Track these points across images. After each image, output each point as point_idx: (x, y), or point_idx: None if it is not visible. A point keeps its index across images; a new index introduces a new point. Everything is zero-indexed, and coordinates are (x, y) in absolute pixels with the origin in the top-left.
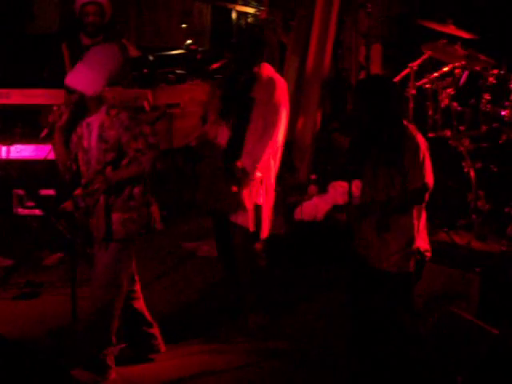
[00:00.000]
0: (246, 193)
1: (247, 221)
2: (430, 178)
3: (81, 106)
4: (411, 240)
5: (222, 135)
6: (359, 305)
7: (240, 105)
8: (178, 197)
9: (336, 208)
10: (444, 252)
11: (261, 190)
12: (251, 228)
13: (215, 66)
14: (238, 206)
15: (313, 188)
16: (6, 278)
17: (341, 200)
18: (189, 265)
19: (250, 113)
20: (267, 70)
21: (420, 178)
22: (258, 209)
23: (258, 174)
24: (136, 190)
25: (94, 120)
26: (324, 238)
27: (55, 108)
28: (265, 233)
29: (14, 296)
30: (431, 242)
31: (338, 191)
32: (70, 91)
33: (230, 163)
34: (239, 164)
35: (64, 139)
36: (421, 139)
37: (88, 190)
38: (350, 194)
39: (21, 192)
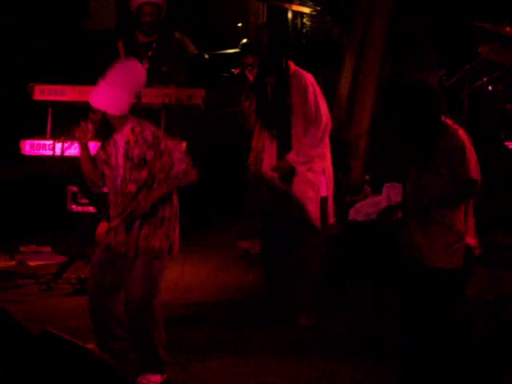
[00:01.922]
0: (305, 188)
1: (314, 217)
2: (476, 174)
3: (105, 125)
4: (460, 236)
5: (269, 145)
6: (408, 305)
7: (278, 112)
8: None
9: (390, 208)
10: (497, 254)
11: (323, 182)
12: (317, 224)
13: (236, 71)
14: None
15: (367, 188)
16: (58, 275)
17: (394, 200)
18: (242, 263)
19: (290, 118)
20: (293, 67)
21: (467, 174)
22: (323, 201)
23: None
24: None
25: (120, 138)
26: (377, 238)
27: (82, 124)
28: (330, 221)
29: (66, 292)
30: (486, 245)
31: (392, 192)
32: (94, 110)
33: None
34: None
35: (89, 154)
36: (463, 135)
37: (121, 213)
38: (403, 194)
39: (75, 189)
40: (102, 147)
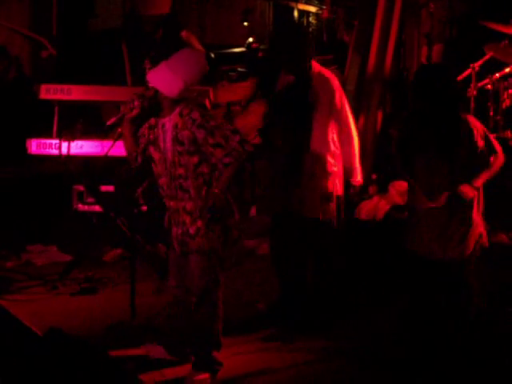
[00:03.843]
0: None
1: (330, 216)
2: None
3: (154, 104)
4: (476, 226)
5: (280, 137)
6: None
7: (297, 109)
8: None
9: (395, 208)
10: (503, 253)
11: (337, 181)
12: (335, 224)
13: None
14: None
15: (373, 187)
16: (65, 274)
17: (400, 200)
18: (248, 262)
19: (311, 116)
20: (316, 67)
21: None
22: (338, 200)
23: (335, 169)
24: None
25: (168, 121)
26: (382, 237)
27: (129, 100)
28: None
29: (73, 291)
30: (490, 244)
31: (398, 191)
32: (148, 87)
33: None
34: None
35: (133, 130)
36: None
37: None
38: (409, 193)
39: (81, 188)
40: (150, 127)
